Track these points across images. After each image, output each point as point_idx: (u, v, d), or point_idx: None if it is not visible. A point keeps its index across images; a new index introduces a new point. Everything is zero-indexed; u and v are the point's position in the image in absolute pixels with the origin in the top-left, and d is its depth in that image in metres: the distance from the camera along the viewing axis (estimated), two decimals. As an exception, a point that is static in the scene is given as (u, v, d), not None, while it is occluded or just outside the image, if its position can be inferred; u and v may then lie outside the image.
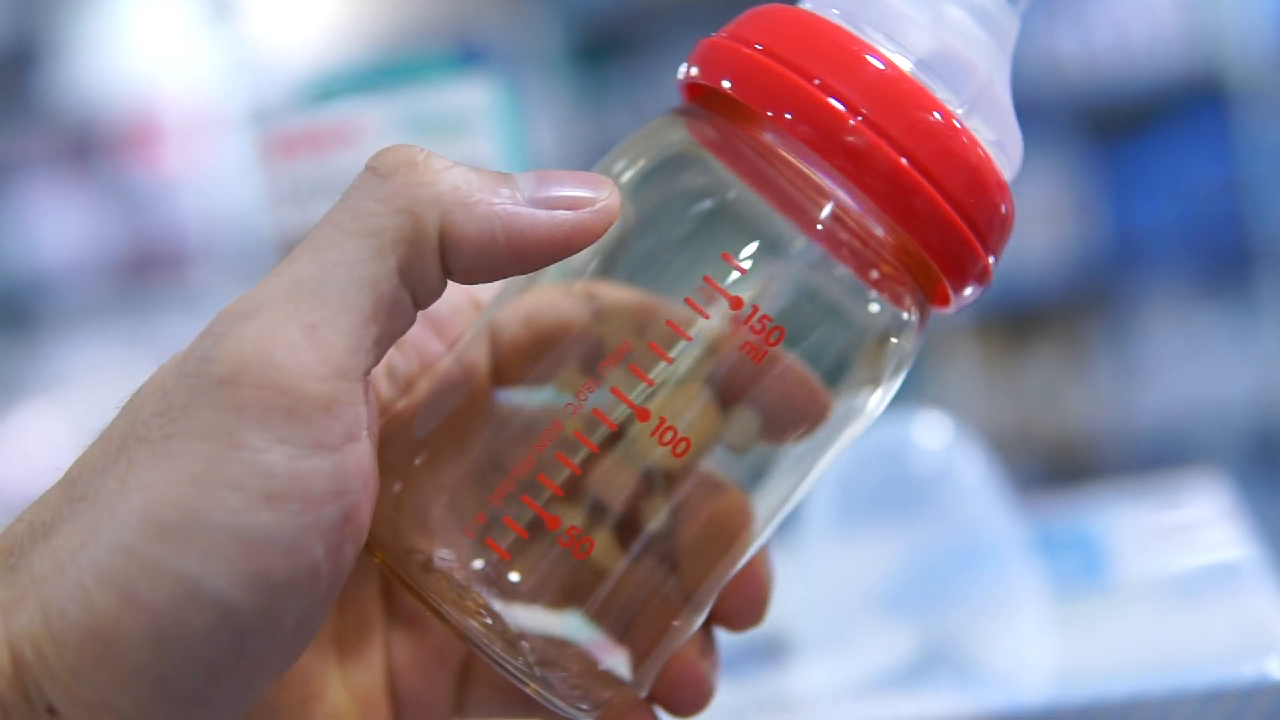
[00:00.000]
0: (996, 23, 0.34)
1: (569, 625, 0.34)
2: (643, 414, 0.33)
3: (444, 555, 0.33)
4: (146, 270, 3.44)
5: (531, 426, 0.34)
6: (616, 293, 0.34)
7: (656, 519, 0.34)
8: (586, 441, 0.33)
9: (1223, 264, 2.65)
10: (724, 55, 0.33)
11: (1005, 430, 2.62)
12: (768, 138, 0.33)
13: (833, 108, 0.31)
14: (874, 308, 0.34)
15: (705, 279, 0.33)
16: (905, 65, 0.33)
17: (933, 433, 0.63)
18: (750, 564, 0.36)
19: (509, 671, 0.33)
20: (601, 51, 2.92)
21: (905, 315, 0.35)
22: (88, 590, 0.27)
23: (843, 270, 0.33)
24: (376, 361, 0.30)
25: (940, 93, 0.33)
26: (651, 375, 0.33)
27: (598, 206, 0.31)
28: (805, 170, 0.33)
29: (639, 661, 0.35)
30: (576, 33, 2.99)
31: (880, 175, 0.32)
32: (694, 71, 0.34)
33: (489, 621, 0.33)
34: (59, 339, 3.51)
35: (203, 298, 3.27)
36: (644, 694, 0.35)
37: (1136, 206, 2.69)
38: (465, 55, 2.98)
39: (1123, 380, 2.72)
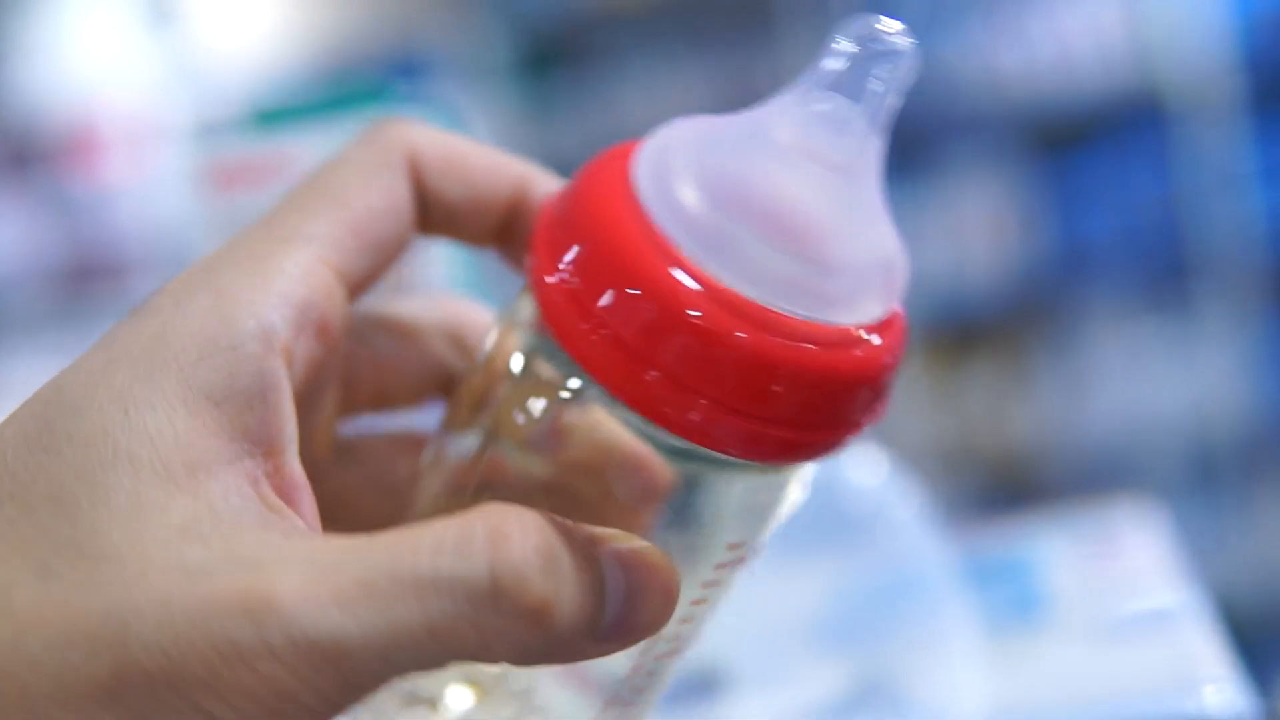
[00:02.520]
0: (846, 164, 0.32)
1: None
2: None
3: None
4: (86, 280, 3.42)
5: None
6: None
7: None
8: None
9: (1163, 278, 2.68)
10: (561, 305, 0.31)
11: (946, 445, 2.64)
12: None
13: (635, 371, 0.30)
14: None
15: None
16: (746, 291, 0.30)
17: (867, 468, 0.63)
18: None
19: None
20: (547, 62, 2.92)
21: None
22: None
23: None
24: None
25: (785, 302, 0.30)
26: None
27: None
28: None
29: None
30: (522, 43, 2.99)
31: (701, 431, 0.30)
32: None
33: None
34: (2, 349, 3.48)
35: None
36: None
37: (1078, 220, 2.72)
38: (407, 69, 2.98)
39: (1064, 395, 2.75)
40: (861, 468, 0.63)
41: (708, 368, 0.29)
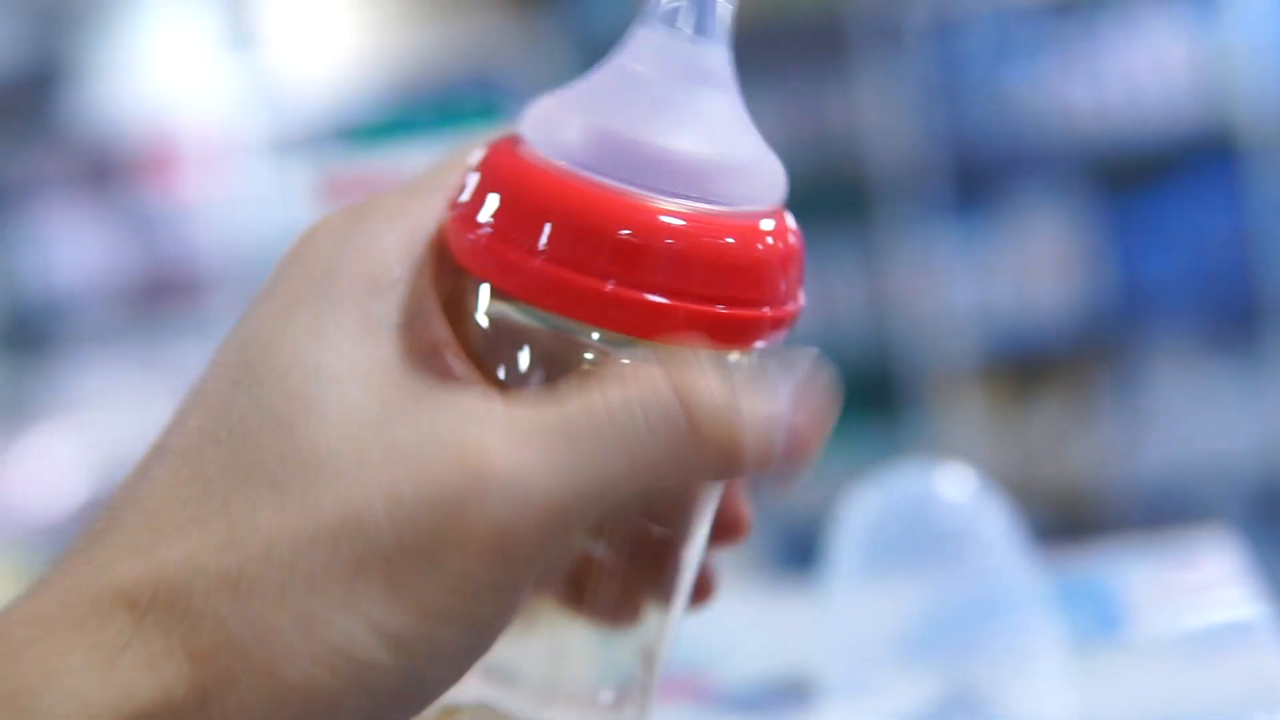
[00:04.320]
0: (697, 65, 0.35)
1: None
2: None
3: None
4: (161, 295, 3.46)
5: None
6: None
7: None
8: None
9: (1229, 317, 2.67)
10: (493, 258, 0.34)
11: (1010, 479, 2.64)
12: None
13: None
14: None
15: None
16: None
17: (957, 485, 0.65)
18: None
19: None
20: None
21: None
22: (320, 670, 0.30)
23: None
24: None
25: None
26: None
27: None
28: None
29: None
30: (592, 64, 3.02)
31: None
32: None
33: None
34: (73, 362, 3.52)
35: (216, 324, 3.30)
36: None
37: (1145, 258, 2.71)
38: (480, 88, 3.02)
39: (1128, 431, 2.74)
40: (952, 485, 0.65)
41: (575, 247, 0.32)
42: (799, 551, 0.63)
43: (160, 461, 0.33)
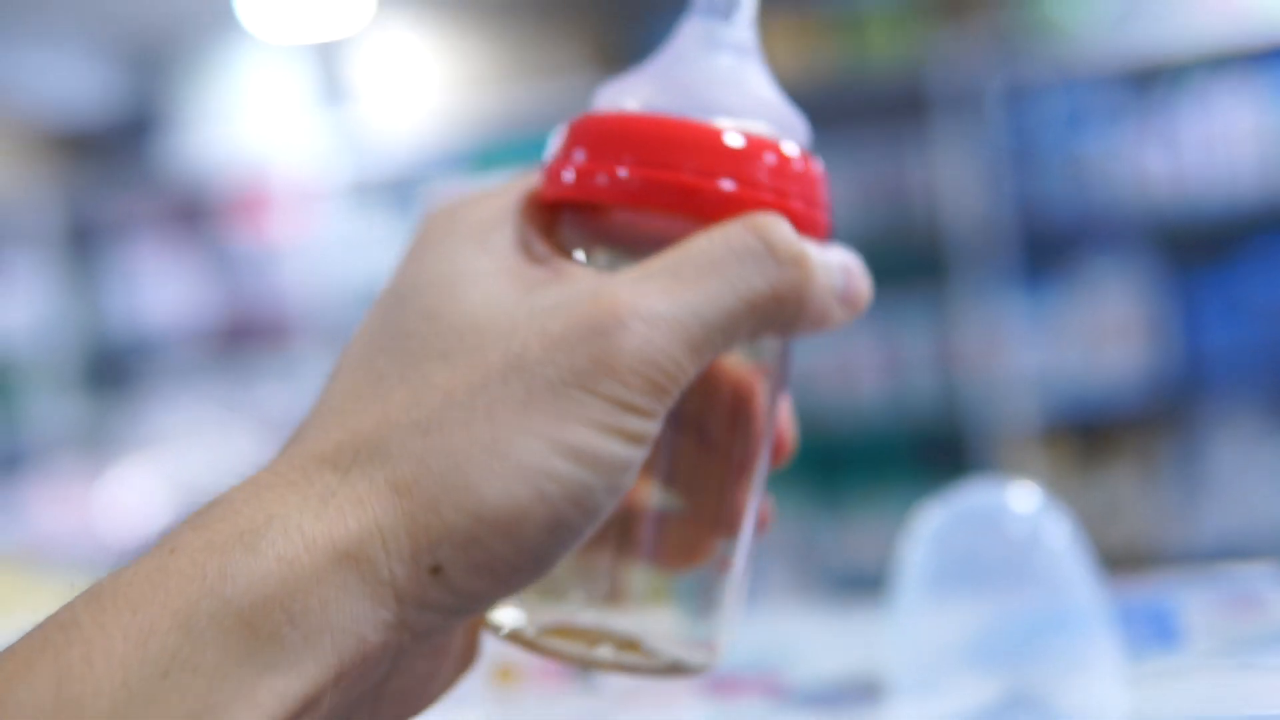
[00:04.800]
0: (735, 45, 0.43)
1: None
2: None
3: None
4: (246, 337, 3.53)
5: None
6: None
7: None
8: None
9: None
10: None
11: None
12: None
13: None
14: None
15: None
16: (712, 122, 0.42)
17: (1023, 499, 0.69)
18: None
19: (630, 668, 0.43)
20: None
21: None
22: (507, 483, 0.35)
23: None
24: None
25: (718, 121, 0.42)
26: None
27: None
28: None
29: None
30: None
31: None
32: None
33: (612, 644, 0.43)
34: (159, 398, 3.59)
35: (298, 365, 3.36)
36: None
37: (1211, 328, 2.70)
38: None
39: (1189, 499, 2.73)
40: (1017, 499, 0.69)
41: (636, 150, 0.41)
42: (868, 580, 0.67)
43: (334, 378, 0.39)
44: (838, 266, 0.41)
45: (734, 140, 0.41)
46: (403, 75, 3.58)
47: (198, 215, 3.62)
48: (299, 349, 3.42)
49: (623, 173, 0.40)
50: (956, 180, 2.87)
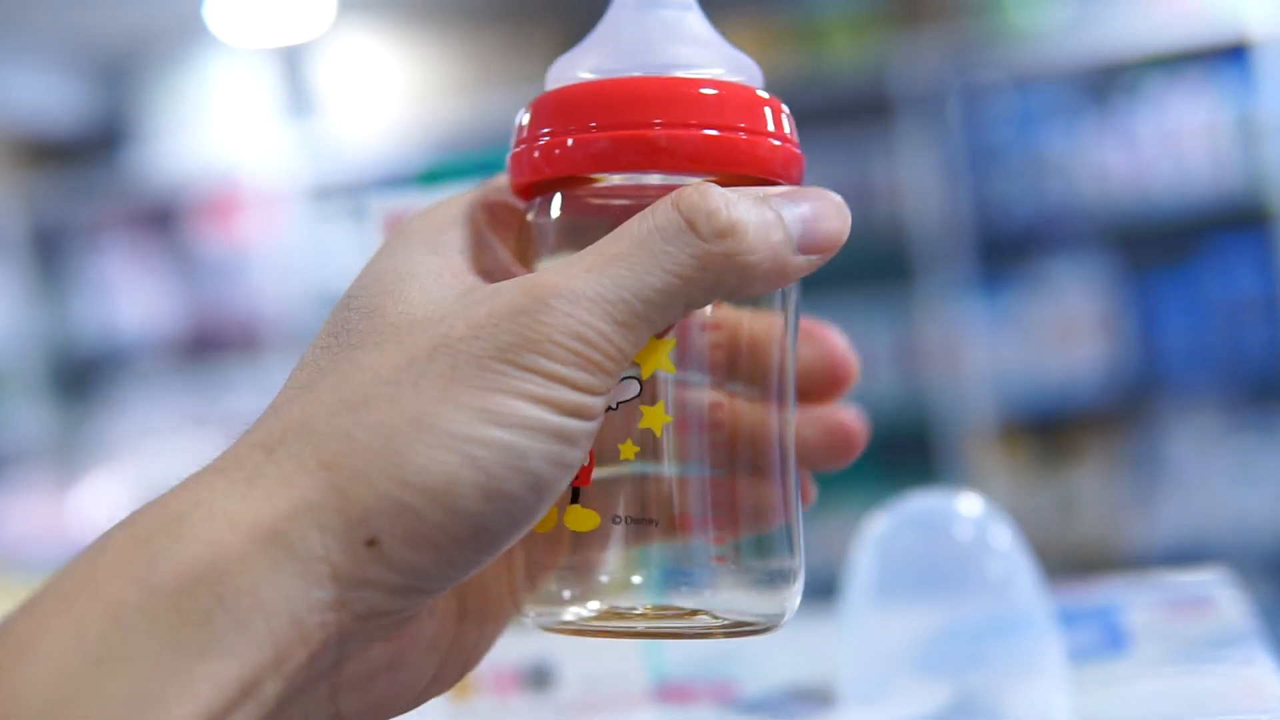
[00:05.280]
0: None
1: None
2: None
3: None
4: (214, 342, 3.52)
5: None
6: None
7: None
8: None
9: (1251, 385, 2.68)
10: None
11: (1032, 534, 2.64)
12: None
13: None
14: None
15: None
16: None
17: (969, 505, 0.70)
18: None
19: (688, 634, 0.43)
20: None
21: None
22: (433, 451, 0.35)
23: None
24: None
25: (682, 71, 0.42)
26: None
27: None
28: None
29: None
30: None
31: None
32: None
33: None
34: (128, 405, 3.58)
35: (267, 370, 3.36)
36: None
37: (1170, 326, 2.72)
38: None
39: (1147, 494, 2.75)
40: (962, 506, 0.70)
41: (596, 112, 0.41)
42: (824, 585, 0.68)
43: (286, 382, 0.40)
44: (793, 218, 0.40)
45: (700, 88, 0.41)
46: (369, 82, 3.57)
47: (165, 222, 3.61)
48: (268, 354, 3.41)
49: (592, 137, 0.40)
50: (918, 182, 2.89)
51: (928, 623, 0.70)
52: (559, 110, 0.42)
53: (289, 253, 3.43)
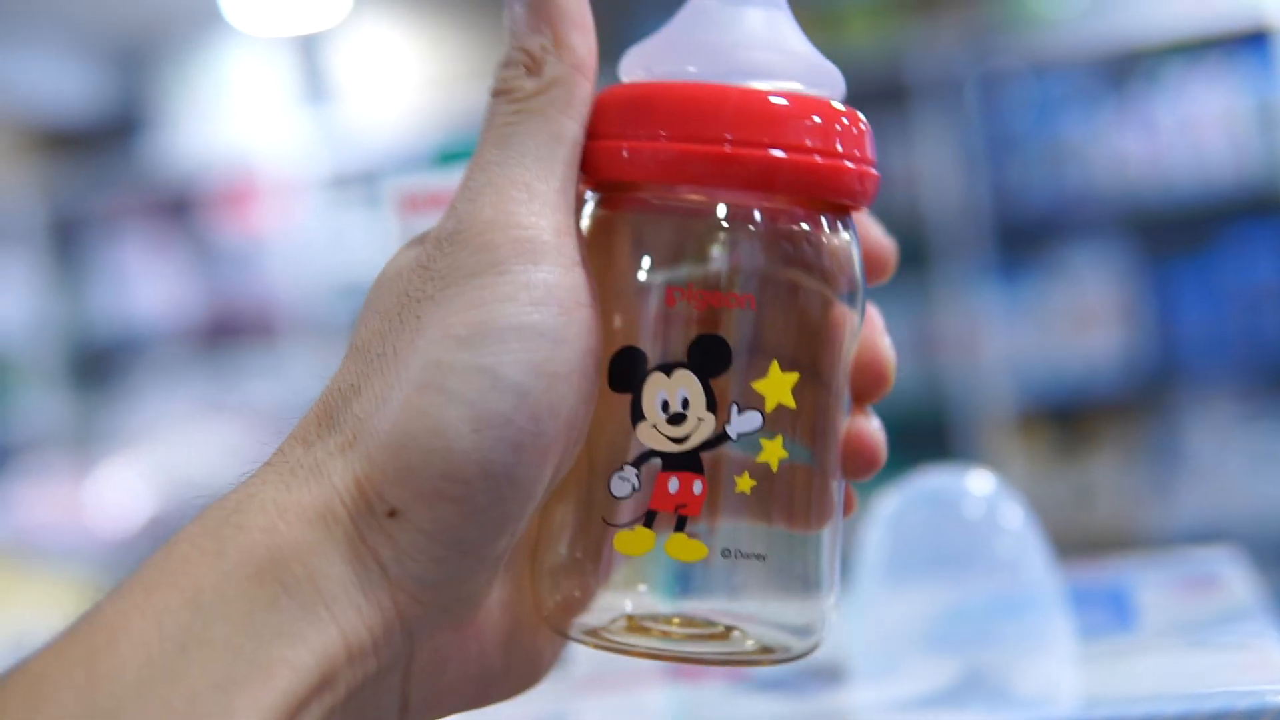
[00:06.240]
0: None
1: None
2: None
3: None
4: (231, 330, 3.53)
5: None
6: None
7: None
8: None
9: (1271, 372, 2.67)
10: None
11: (1049, 521, 2.64)
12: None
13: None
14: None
15: None
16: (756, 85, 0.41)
17: (979, 483, 0.70)
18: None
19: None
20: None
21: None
22: (412, 399, 0.36)
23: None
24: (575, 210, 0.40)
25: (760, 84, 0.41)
26: None
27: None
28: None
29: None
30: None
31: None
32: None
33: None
34: (146, 393, 3.59)
35: (284, 359, 3.37)
36: None
37: (1189, 313, 2.71)
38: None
39: (1165, 481, 2.74)
40: (972, 484, 0.70)
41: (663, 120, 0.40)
42: (846, 567, 0.67)
43: None
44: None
45: (778, 103, 0.40)
46: (386, 69, 3.58)
47: (182, 210, 3.62)
48: (285, 342, 3.42)
49: (658, 146, 0.39)
50: (936, 169, 2.88)
51: (938, 600, 0.70)
52: (626, 112, 0.41)
53: (306, 240, 3.44)
